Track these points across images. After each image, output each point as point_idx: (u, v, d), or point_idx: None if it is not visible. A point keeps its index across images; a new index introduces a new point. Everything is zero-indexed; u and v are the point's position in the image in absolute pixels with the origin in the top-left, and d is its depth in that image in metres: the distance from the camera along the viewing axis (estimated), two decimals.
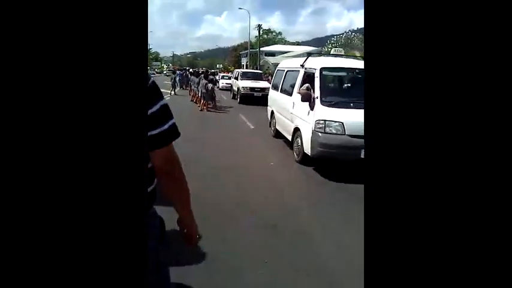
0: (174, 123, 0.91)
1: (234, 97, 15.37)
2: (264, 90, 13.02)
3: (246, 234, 2.65)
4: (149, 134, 0.83)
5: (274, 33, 57.73)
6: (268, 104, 7.36)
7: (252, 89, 13.31)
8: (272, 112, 6.87)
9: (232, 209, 3.10)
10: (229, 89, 19.82)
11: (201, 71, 17.40)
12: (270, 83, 14.97)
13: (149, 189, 0.93)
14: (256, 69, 31.55)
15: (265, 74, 24.54)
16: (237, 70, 17.56)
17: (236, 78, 15.28)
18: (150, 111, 0.84)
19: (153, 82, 0.87)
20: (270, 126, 7.08)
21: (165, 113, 0.90)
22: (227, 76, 24.79)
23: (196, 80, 12.25)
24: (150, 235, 0.90)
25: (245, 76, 14.90)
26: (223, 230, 2.65)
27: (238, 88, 14.02)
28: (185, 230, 1.07)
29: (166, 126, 0.88)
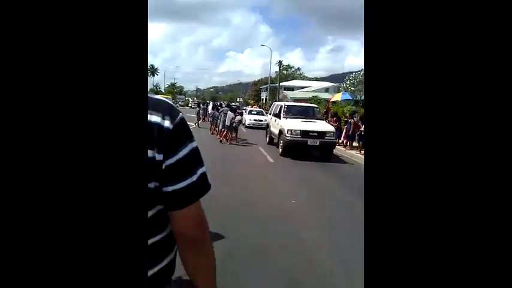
0: (204, 173, 0.70)
1: (271, 142, 10.68)
2: (323, 135, 8.49)
3: None
4: (172, 188, 0.64)
5: (293, 69, 57.21)
6: None
7: (305, 133, 8.39)
8: None
9: None
10: (259, 127, 16.02)
11: (218, 103, 16.97)
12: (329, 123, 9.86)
13: (165, 264, 0.71)
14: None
15: None
16: (277, 103, 11.44)
17: (277, 116, 9.83)
18: (176, 158, 0.64)
19: (182, 118, 0.67)
20: None
21: (195, 159, 0.68)
22: (255, 111, 19.64)
23: (217, 114, 11.84)
24: None
25: (290, 112, 9.58)
26: None
27: (280, 131, 8.93)
28: None
29: (195, 178, 0.67)
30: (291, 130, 8.49)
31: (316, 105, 12.53)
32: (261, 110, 20.41)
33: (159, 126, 0.63)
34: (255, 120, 17.43)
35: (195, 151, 0.68)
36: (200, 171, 0.69)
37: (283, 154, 8.69)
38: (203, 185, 0.69)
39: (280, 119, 9.49)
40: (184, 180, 0.65)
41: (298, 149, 8.54)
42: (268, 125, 11.68)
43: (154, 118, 0.63)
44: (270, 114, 11.56)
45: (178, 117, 0.66)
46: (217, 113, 12.27)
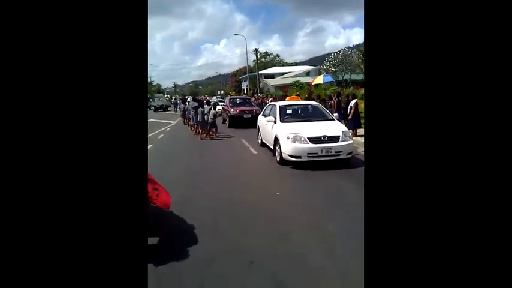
0: None
1: None
2: None
3: None
4: None
5: (271, 56, 58.85)
6: None
7: None
8: None
9: None
10: (327, 159, 4.50)
11: (188, 98, 15.35)
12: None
13: None
14: (257, 92, 30.57)
15: (265, 95, 22.95)
16: None
17: None
18: None
19: None
20: None
21: None
22: (297, 106, 6.63)
23: (187, 107, 11.67)
24: None
25: None
26: None
27: None
28: None
29: None
30: None
31: None
32: (316, 103, 7.32)
33: None
34: (316, 140, 4.89)
35: None
36: None
37: None
38: None
39: None
40: None
41: None
42: None
43: None
44: None
45: None
46: (186, 106, 12.21)
